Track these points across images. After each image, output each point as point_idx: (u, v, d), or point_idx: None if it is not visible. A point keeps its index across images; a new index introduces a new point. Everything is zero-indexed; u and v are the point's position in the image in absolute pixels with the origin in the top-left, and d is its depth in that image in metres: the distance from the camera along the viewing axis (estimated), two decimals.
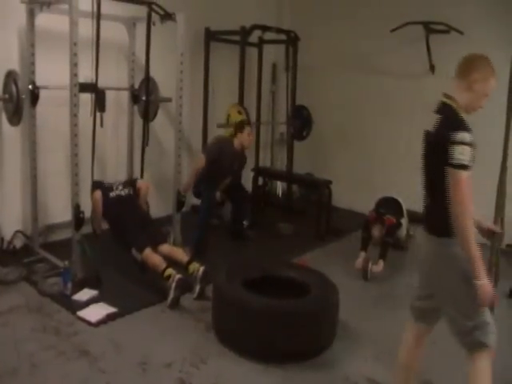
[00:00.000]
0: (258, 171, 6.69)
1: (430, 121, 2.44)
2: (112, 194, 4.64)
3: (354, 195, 6.73)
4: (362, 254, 4.94)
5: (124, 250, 4.33)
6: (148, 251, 4.15)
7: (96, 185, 4.74)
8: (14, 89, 4.37)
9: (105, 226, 4.70)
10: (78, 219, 4.16)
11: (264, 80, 7.09)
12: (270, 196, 7.35)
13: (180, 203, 4.87)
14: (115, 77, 5.48)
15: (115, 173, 5.54)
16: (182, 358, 3.22)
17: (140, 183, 4.94)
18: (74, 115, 4.09)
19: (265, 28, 6.32)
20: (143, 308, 3.86)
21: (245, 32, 6.06)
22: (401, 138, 6.49)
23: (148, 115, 5.23)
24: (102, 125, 5.00)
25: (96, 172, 4.74)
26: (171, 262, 4.16)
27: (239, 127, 5.37)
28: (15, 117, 4.50)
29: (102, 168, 5.44)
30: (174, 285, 3.85)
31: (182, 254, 4.29)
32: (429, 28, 5.86)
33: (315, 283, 3.61)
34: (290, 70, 7.00)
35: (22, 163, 4.92)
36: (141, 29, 5.27)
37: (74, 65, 4.03)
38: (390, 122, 6.58)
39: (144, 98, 5.30)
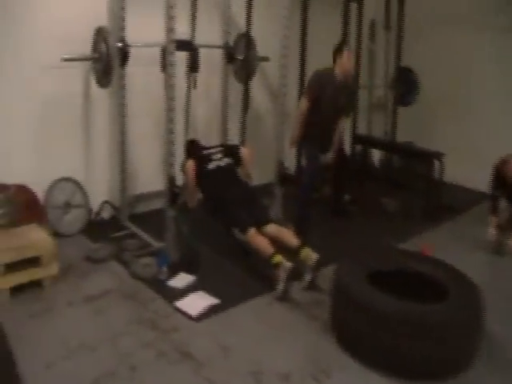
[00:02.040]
0: (357, 139, 6.05)
1: None
2: (210, 166, 4.02)
3: (464, 169, 5.89)
4: (493, 221, 4.31)
5: (223, 230, 3.89)
6: (253, 232, 3.64)
7: (192, 148, 4.29)
8: (104, 47, 3.94)
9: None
10: (173, 194, 3.71)
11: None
12: (368, 167, 6.66)
13: (283, 177, 4.27)
14: (207, 33, 4.93)
15: (207, 139, 4.89)
16: (300, 367, 2.74)
17: (244, 151, 4.27)
18: (169, 76, 3.61)
19: None
20: (248, 299, 3.39)
21: None
22: None
23: (249, 75, 4.73)
24: (195, 86, 4.60)
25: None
26: (279, 245, 3.62)
27: (337, 51, 4.38)
28: (105, 78, 4.06)
29: (192, 134, 4.90)
30: (284, 275, 3.34)
31: (291, 236, 3.72)
32: None
33: (452, 282, 3.01)
34: (395, 28, 6.26)
35: (110, 128, 4.53)
36: None
37: (170, 19, 3.53)
38: (510, 88, 5.73)
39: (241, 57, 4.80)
